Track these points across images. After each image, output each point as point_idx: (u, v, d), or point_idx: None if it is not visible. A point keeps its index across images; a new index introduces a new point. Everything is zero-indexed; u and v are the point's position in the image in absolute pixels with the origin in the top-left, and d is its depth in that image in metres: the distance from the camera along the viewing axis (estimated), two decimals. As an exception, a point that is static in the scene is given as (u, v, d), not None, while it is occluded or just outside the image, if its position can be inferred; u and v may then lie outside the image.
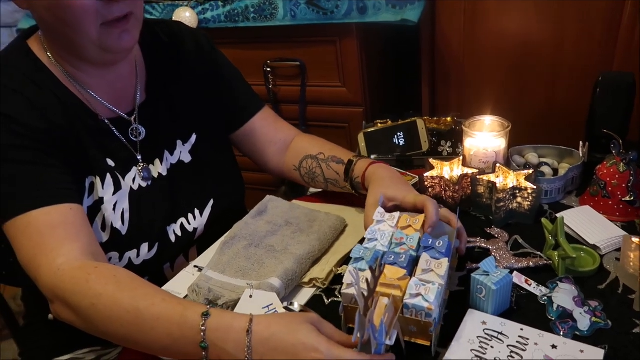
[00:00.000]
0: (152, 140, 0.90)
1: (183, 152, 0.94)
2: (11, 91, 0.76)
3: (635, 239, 0.74)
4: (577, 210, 0.91)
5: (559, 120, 1.50)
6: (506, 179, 0.95)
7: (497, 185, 0.92)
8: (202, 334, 0.61)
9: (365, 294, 0.64)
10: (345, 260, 0.87)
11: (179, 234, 0.92)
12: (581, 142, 1.02)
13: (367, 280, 0.65)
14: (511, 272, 0.80)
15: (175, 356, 0.65)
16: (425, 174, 0.99)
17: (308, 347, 0.58)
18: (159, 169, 0.91)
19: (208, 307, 0.64)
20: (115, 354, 0.97)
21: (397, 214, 0.79)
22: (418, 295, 0.65)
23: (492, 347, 0.67)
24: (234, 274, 0.84)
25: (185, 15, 1.58)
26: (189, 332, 0.62)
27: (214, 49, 1.00)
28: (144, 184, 0.88)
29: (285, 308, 0.75)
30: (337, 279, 0.84)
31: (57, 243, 0.71)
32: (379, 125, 1.33)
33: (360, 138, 1.29)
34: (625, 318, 0.70)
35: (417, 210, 0.80)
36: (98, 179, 0.83)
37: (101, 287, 0.66)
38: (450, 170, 1.00)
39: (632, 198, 0.89)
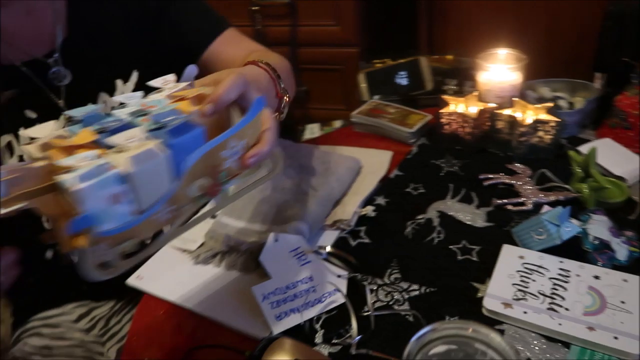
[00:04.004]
0: (80, 84, 0.77)
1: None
2: None
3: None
4: (598, 143, 0.89)
5: (562, 54, 1.47)
6: (525, 113, 0.91)
7: (518, 119, 0.89)
8: None
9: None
10: (368, 201, 0.84)
11: None
12: (596, 74, 0.99)
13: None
14: (540, 206, 0.78)
15: None
16: (441, 111, 0.95)
17: None
18: None
19: None
20: (107, 308, 0.90)
21: (185, 84, 0.54)
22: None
23: (533, 280, 0.65)
24: (252, 219, 0.79)
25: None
26: None
27: None
28: None
29: (315, 252, 0.71)
30: (362, 220, 0.80)
31: None
32: (378, 65, 1.27)
33: (361, 78, 1.23)
34: (661, 246, 0.70)
35: None
36: (14, 138, 0.72)
37: None
38: (466, 106, 0.96)
39: (653, 128, 0.88)
